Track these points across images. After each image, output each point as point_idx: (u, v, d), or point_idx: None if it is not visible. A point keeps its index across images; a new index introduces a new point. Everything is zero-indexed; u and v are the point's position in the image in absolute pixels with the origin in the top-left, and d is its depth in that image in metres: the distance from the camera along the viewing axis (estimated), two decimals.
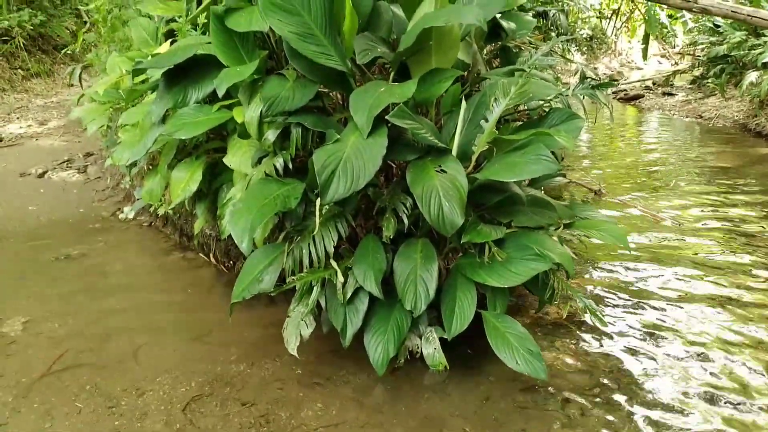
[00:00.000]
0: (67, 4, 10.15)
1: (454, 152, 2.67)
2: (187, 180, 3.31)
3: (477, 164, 2.73)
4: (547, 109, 3.28)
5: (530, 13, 5.67)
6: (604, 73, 14.75)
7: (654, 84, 12.37)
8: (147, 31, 4.50)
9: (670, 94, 11.24)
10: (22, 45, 9.05)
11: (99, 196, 5.45)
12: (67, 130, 7.15)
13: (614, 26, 17.03)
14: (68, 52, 8.63)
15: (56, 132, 7.13)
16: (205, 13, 3.70)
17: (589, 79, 3.31)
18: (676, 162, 6.67)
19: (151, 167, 4.14)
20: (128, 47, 5.11)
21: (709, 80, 9.87)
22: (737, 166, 6.33)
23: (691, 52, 12.67)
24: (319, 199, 2.52)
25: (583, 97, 3.34)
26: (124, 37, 5.34)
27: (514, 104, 2.66)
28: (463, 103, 2.73)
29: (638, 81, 13.18)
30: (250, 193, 2.69)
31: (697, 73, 10.83)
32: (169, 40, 4.04)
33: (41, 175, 5.80)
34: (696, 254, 4.02)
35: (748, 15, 5.16)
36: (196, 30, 3.83)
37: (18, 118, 7.73)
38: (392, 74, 2.84)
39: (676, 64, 15.46)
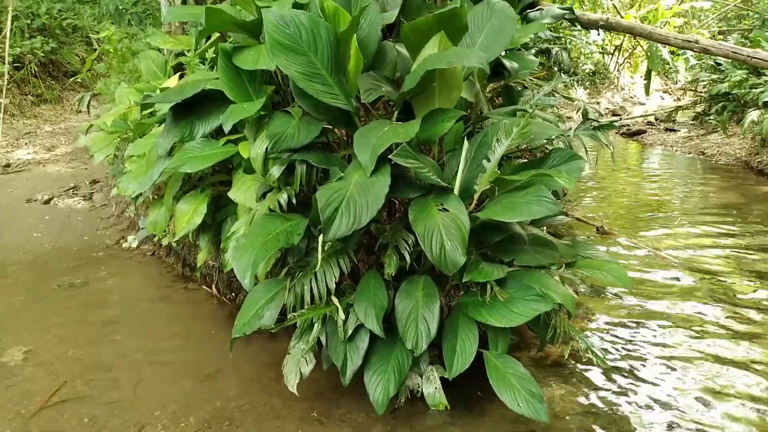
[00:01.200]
0: (78, 32, 10.34)
1: (456, 191, 2.69)
2: (191, 213, 3.33)
3: (479, 202, 2.75)
4: (549, 148, 3.31)
5: (533, 51, 5.76)
6: (607, 108, 14.86)
7: (656, 119, 12.43)
8: (156, 64, 4.59)
9: (673, 130, 11.30)
10: (33, 71, 9.20)
11: (104, 223, 5.48)
12: (74, 156, 7.23)
13: (617, 62, 17.22)
14: (78, 79, 8.79)
15: (63, 158, 7.20)
16: (214, 48, 3.78)
17: (590, 120, 3.35)
18: (680, 199, 6.68)
19: (156, 197, 4.17)
20: (137, 78, 5.20)
21: (711, 117, 9.91)
22: (740, 203, 6.33)
23: (693, 89, 12.76)
24: (321, 235, 2.53)
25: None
26: (134, 68, 5.44)
27: (515, 144, 2.69)
28: (466, 142, 2.76)
29: (641, 116, 13.25)
30: (253, 229, 2.70)
31: (699, 109, 10.87)
32: (178, 74, 4.11)
33: (47, 202, 5.84)
34: (700, 294, 4.00)
35: (748, 56, 5.22)
36: (204, 64, 3.91)
37: (26, 143, 7.82)
38: (396, 113, 2.88)
39: (679, 99, 15.57)
